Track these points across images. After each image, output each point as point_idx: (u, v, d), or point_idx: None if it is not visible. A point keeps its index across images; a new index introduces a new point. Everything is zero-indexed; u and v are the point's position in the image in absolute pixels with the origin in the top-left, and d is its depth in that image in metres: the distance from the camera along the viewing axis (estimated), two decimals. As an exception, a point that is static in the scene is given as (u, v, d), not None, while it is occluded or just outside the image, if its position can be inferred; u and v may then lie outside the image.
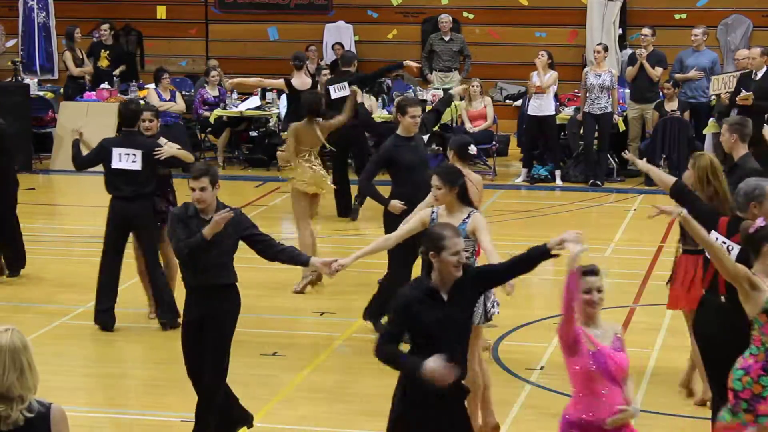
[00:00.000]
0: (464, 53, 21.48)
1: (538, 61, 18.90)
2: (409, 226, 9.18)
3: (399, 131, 11.60)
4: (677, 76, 19.13)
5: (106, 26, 22.06)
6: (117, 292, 11.93)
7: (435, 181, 8.87)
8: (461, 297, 6.82)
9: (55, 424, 5.28)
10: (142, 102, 17.20)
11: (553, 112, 19.16)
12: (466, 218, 8.84)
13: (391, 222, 11.05)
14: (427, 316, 6.72)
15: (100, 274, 11.92)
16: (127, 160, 11.60)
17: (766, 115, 16.47)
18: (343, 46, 22.62)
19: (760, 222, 7.64)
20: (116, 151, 11.63)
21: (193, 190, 8.60)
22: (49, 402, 5.32)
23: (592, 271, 6.67)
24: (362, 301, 12.08)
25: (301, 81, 17.66)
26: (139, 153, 11.60)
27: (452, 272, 6.76)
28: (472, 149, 10.20)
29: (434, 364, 6.56)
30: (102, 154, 11.82)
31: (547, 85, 18.83)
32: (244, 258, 14.65)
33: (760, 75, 17.34)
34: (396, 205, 11.13)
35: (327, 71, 18.39)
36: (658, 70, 19.19)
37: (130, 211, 11.70)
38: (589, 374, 6.61)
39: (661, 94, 19.21)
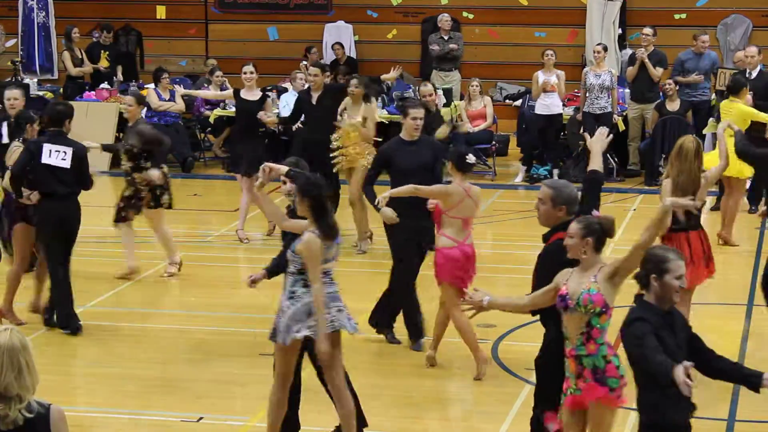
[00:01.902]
0: (456, 51, 21.33)
1: (547, 60, 18.94)
2: (291, 224, 8.99)
3: (401, 134, 11.44)
4: (678, 79, 19.14)
5: (103, 31, 22.08)
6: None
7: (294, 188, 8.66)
8: (675, 327, 6.53)
9: (55, 424, 5.27)
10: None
11: (561, 111, 19.21)
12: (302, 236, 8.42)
13: (388, 226, 11.08)
14: (668, 341, 6.41)
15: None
16: (57, 156, 11.54)
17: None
18: (342, 46, 22.63)
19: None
20: (46, 147, 11.53)
21: (285, 182, 8.79)
22: (49, 402, 5.31)
23: None
24: (362, 302, 12.05)
25: (252, 92, 15.49)
26: (69, 150, 11.55)
27: (673, 297, 6.51)
28: (470, 158, 10.29)
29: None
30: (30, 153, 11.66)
31: (564, 91, 19.00)
32: (245, 258, 14.73)
33: (754, 74, 17.52)
34: (387, 214, 10.77)
35: (327, 72, 18.35)
36: (659, 70, 19.19)
37: (62, 210, 11.61)
38: None
39: (661, 94, 19.22)
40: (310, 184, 8.37)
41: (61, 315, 11.74)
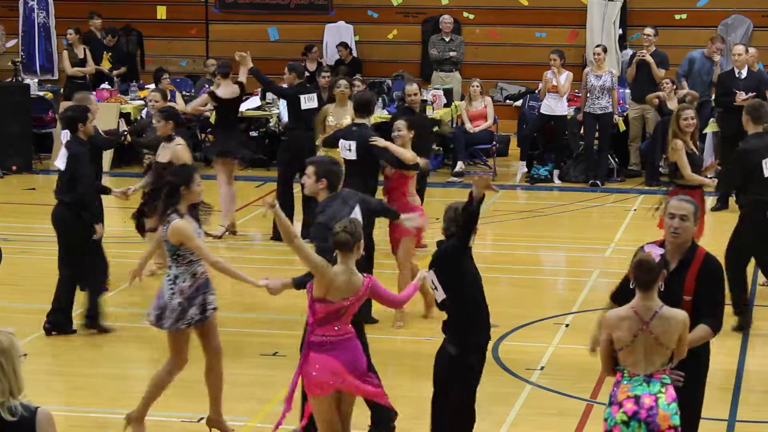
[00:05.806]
0: (455, 57, 21.33)
1: (552, 63, 18.87)
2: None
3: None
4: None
5: (108, 35, 22.05)
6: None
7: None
8: None
9: (41, 427, 5.17)
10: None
11: (566, 113, 19.18)
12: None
13: None
14: None
15: None
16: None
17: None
18: (347, 47, 22.61)
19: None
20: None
21: None
22: (36, 405, 5.21)
23: None
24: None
25: (229, 89, 15.89)
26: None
27: None
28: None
29: None
30: None
31: (565, 89, 18.92)
32: (245, 258, 14.72)
33: (744, 73, 17.61)
34: None
35: (328, 72, 18.34)
36: (661, 71, 19.15)
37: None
38: None
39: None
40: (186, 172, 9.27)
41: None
